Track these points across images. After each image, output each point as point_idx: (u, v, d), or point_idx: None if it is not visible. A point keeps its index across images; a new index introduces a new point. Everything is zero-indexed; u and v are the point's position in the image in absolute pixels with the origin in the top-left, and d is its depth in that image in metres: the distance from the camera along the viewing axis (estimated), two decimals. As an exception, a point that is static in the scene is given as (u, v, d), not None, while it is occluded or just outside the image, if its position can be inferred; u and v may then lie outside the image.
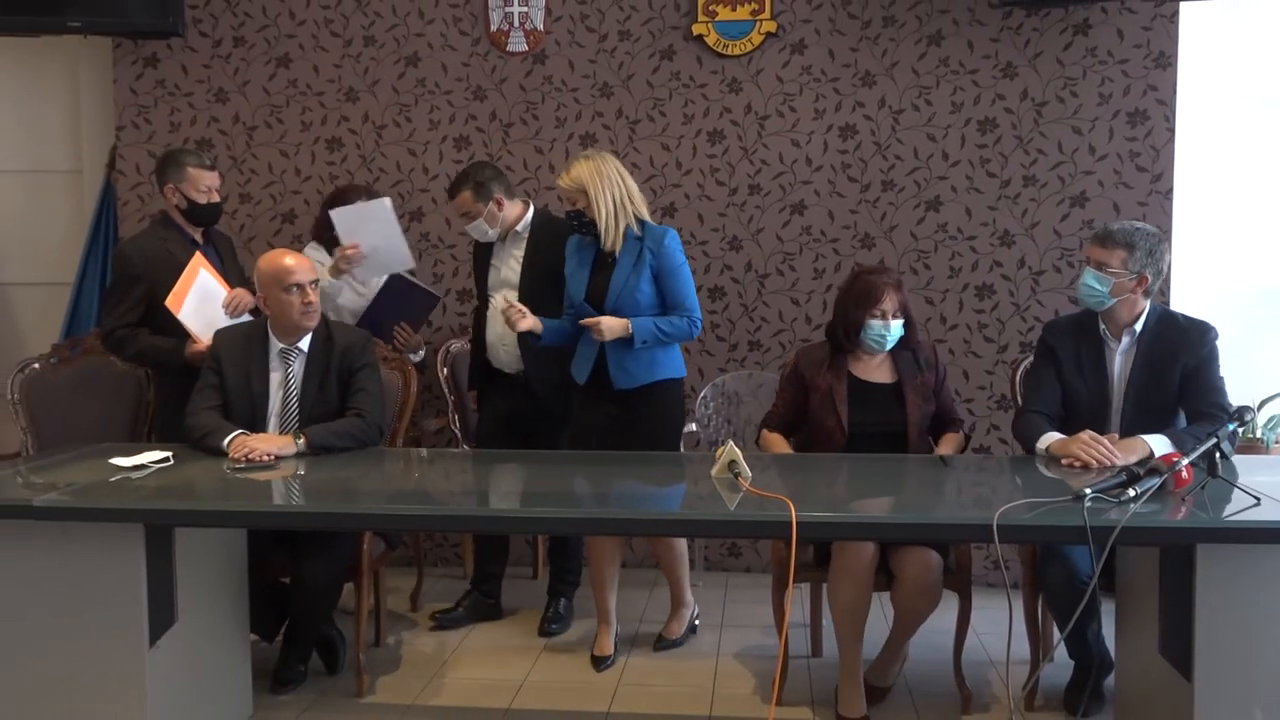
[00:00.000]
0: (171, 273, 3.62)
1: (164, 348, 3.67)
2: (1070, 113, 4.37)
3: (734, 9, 4.53)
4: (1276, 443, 4.26)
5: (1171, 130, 4.31)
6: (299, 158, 4.74)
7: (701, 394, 4.41)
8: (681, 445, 3.93)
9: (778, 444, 3.45)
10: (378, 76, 4.68)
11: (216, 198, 3.77)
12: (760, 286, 4.59)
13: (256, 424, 3.38)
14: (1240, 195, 4.42)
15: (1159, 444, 2.94)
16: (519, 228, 3.93)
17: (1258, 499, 2.52)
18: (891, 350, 3.38)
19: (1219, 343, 3.19)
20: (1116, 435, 3.05)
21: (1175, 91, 4.28)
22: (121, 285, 3.73)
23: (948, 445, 3.41)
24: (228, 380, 3.41)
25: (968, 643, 3.28)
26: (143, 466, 3.01)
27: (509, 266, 3.94)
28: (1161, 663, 2.65)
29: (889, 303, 3.30)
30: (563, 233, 3.78)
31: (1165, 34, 4.27)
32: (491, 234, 3.90)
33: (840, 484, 3.15)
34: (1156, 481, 2.49)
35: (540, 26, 4.61)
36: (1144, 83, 4.31)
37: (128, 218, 4.74)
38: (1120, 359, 3.24)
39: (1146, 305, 3.21)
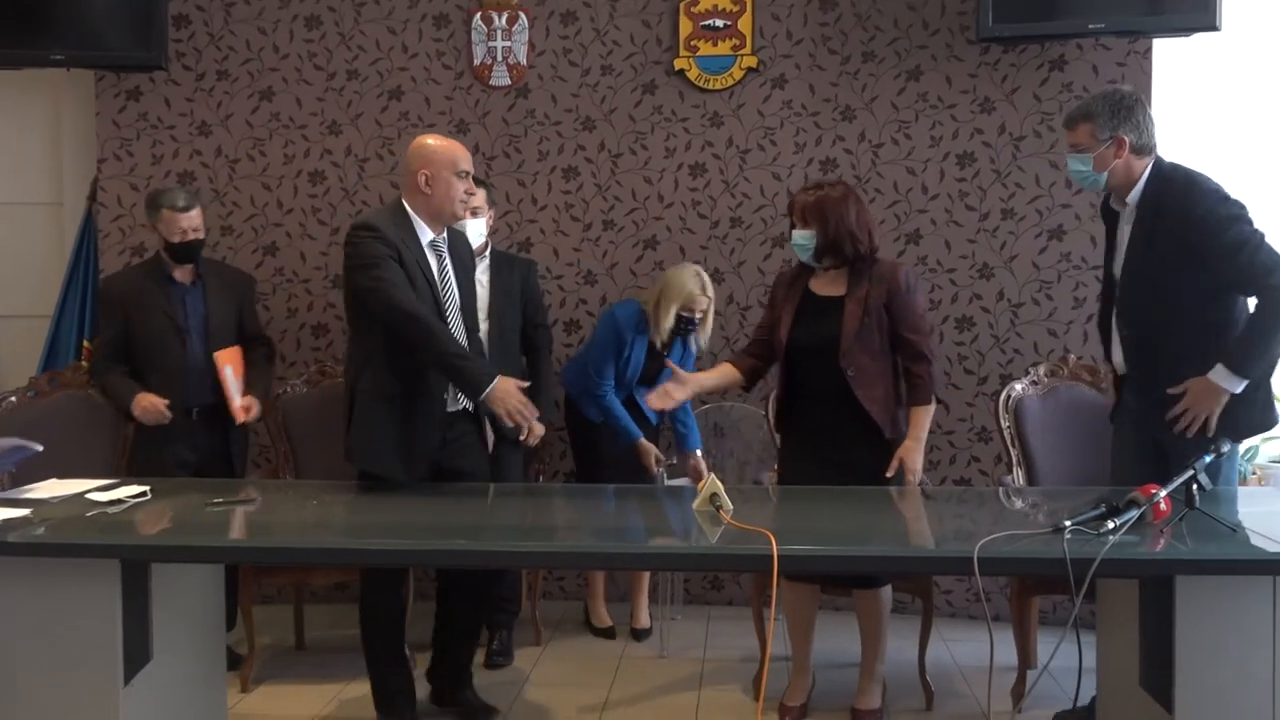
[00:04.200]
0: (143, 311, 3.83)
1: (118, 392, 3.85)
2: (1047, 147, 4.41)
3: (715, 44, 4.57)
4: (1253, 474, 4.28)
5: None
6: (281, 190, 4.74)
7: (684, 426, 4.40)
8: None
9: (719, 368, 3.59)
10: (361, 110, 4.70)
11: (193, 236, 3.84)
12: (742, 319, 4.60)
13: (443, 318, 3.23)
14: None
15: (1223, 378, 2.91)
16: (485, 253, 3.99)
17: (1234, 530, 2.52)
18: (853, 266, 3.31)
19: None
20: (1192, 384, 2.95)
21: (1150, 127, 4.33)
22: (103, 318, 4.04)
23: (916, 423, 3.26)
24: (408, 268, 3.13)
25: (948, 668, 3.28)
26: (119, 501, 2.96)
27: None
28: (1143, 695, 2.64)
29: (797, 213, 3.33)
30: (516, 269, 4.09)
31: (1139, 69, 4.32)
32: (479, 241, 3.92)
33: (822, 516, 3.12)
34: (1135, 513, 2.49)
35: (523, 61, 4.64)
36: (1119, 118, 4.35)
37: (108, 250, 4.73)
38: (1126, 229, 3.07)
39: (1147, 167, 3.03)
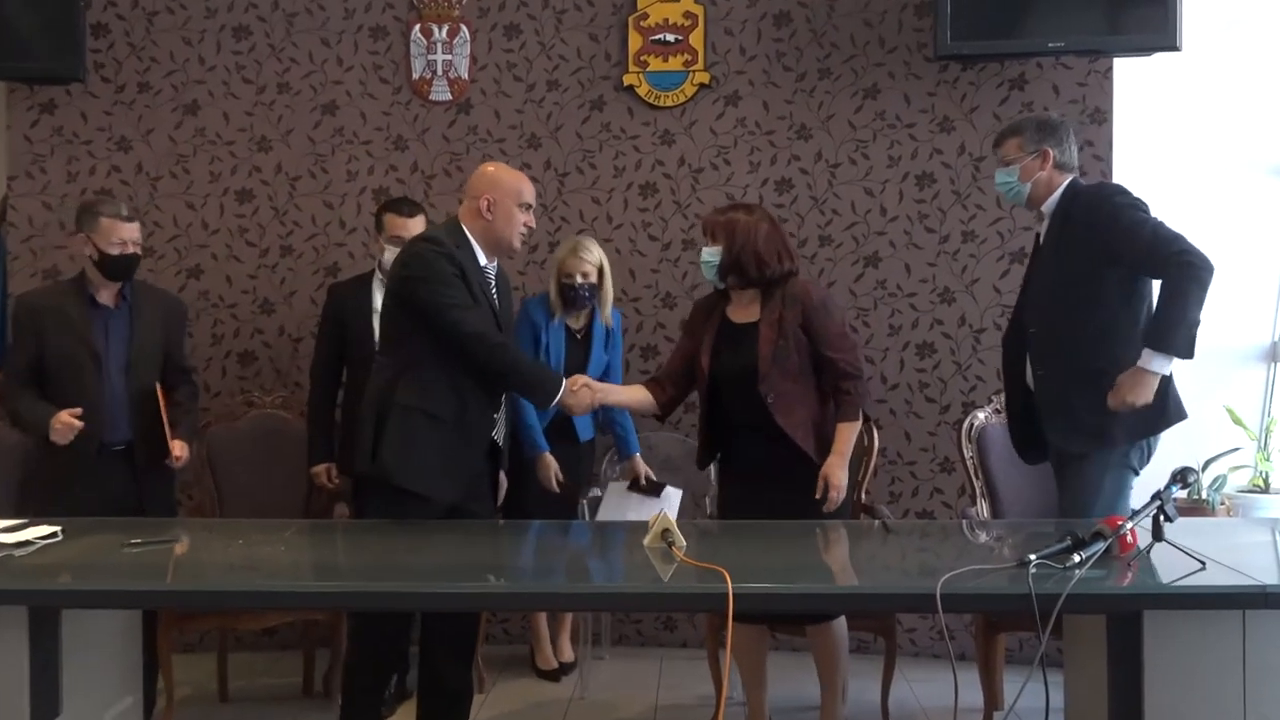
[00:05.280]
0: (58, 333, 3.54)
1: (30, 418, 3.53)
2: (1007, 168, 4.33)
3: (666, 60, 4.45)
4: (1221, 504, 4.19)
5: (1108, 186, 4.29)
6: (206, 210, 4.52)
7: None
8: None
9: (633, 388, 3.55)
10: (292, 125, 4.51)
11: (132, 249, 3.59)
12: (694, 344, 4.45)
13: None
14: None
15: (1149, 360, 2.94)
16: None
17: (1203, 563, 2.46)
18: (768, 290, 3.27)
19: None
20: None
21: (1111, 147, 4.27)
22: (14, 339, 3.68)
23: (840, 439, 3.19)
24: (470, 288, 3.14)
25: (912, 709, 3.15)
26: (28, 543, 2.75)
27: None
28: (1113, 733, 2.54)
29: (708, 230, 3.31)
30: None
31: (1100, 90, 4.27)
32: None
33: (779, 552, 3.00)
34: (1101, 546, 2.42)
35: (465, 75, 4.49)
36: (1080, 138, 4.23)
37: (18, 273, 4.47)
38: (1045, 241, 3.21)
39: (1065, 182, 3.17)
